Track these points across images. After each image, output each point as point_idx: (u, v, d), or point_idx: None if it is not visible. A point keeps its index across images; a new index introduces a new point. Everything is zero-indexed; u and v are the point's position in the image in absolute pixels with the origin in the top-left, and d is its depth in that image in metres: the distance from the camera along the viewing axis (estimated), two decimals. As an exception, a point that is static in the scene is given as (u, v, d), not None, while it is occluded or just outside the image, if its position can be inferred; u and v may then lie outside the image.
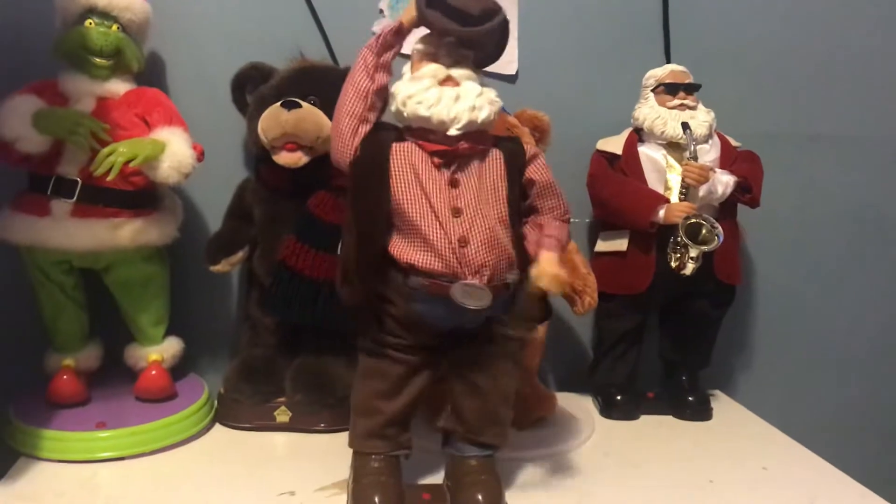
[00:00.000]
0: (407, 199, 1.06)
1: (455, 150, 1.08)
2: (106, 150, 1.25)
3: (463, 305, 1.04)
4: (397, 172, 1.07)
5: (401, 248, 1.07)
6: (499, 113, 1.12)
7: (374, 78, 1.10)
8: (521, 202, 1.15)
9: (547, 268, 1.10)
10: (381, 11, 1.60)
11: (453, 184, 1.07)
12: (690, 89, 1.53)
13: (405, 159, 1.08)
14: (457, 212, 1.06)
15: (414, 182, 1.07)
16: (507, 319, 1.13)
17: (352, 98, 1.10)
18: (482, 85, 1.11)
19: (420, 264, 1.06)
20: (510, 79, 1.66)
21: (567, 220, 1.17)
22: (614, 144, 1.56)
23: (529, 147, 1.17)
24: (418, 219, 1.05)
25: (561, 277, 1.10)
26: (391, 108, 1.12)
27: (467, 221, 1.06)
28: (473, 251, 1.05)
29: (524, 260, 1.11)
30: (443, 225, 1.05)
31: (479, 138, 1.10)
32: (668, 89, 1.53)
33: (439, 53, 1.11)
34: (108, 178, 1.24)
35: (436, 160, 1.08)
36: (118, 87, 1.36)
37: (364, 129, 1.11)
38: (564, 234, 1.16)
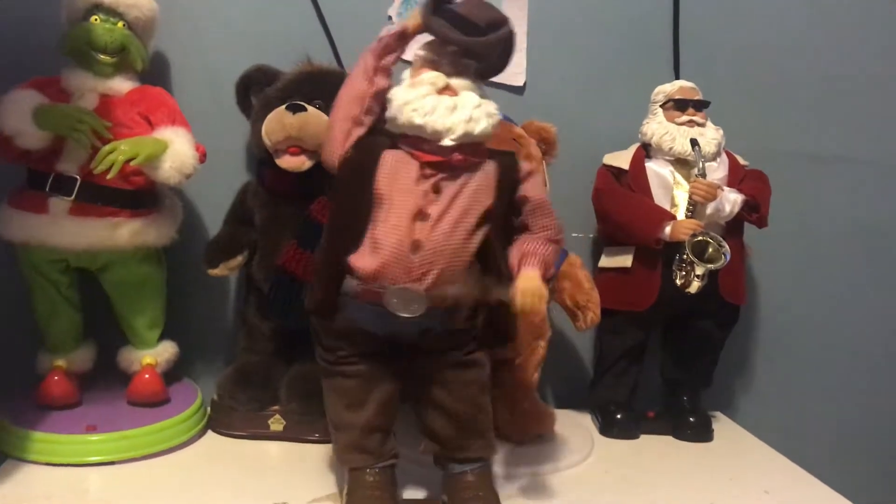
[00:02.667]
0: (379, 203, 1.04)
1: (448, 161, 1.06)
2: (107, 148, 1.23)
3: (395, 313, 1.03)
4: (382, 179, 1.05)
5: (357, 253, 1.05)
6: (497, 126, 1.10)
7: (372, 81, 1.09)
8: (513, 218, 1.12)
9: (521, 283, 1.04)
10: (390, 17, 1.59)
11: (436, 190, 1.05)
12: (700, 106, 1.52)
13: (394, 167, 1.06)
14: (423, 216, 1.04)
15: (394, 189, 1.04)
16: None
17: (348, 100, 1.10)
18: (482, 97, 1.09)
19: (359, 266, 1.04)
20: (518, 90, 1.65)
21: (558, 241, 1.13)
22: (621, 159, 1.55)
23: (525, 164, 1.15)
24: (380, 221, 1.04)
25: (534, 294, 1.04)
26: (387, 114, 1.10)
27: (428, 227, 1.03)
28: (421, 256, 1.03)
29: (495, 275, 1.08)
30: (400, 227, 1.03)
31: (473, 150, 1.08)
32: (677, 105, 1.52)
33: (441, 62, 1.09)
34: (109, 177, 1.23)
35: (427, 170, 1.05)
36: (122, 84, 1.35)
37: (358, 132, 1.09)
38: (549, 251, 1.10)
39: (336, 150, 1.09)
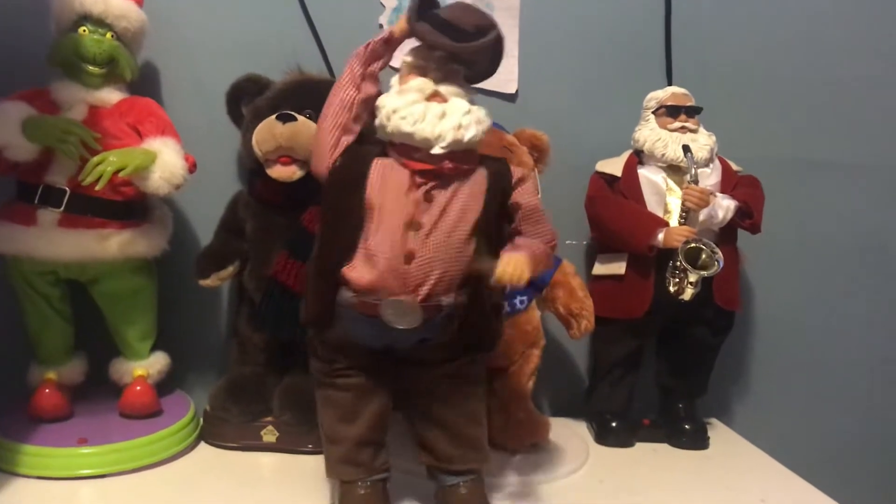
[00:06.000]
0: (371, 212, 1.04)
1: (438, 169, 1.05)
2: (96, 159, 1.23)
3: (391, 324, 1.02)
4: (372, 188, 1.04)
5: (351, 264, 1.04)
6: (486, 132, 1.09)
7: (360, 88, 1.09)
8: (505, 225, 1.12)
9: (503, 258, 1.02)
10: (381, 26, 1.58)
11: (427, 199, 1.04)
12: (692, 112, 1.51)
13: (383, 175, 1.05)
14: (416, 226, 1.03)
15: (384, 198, 1.04)
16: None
17: (336, 108, 1.09)
18: (471, 103, 1.08)
19: (351, 278, 1.03)
20: (510, 97, 1.64)
21: (552, 246, 1.12)
22: (614, 166, 1.54)
23: (517, 170, 1.13)
24: (372, 231, 1.03)
25: (515, 264, 1.00)
26: (376, 122, 1.09)
27: (421, 237, 1.02)
28: (416, 268, 1.02)
29: (477, 284, 1.07)
30: (394, 238, 1.02)
31: (464, 157, 1.07)
32: (670, 111, 1.51)
33: (428, 67, 1.08)
34: (97, 188, 1.23)
35: (417, 178, 1.04)
36: (111, 95, 1.35)
37: (347, 139, 1.09)
38: (540, 249, 1.08)
39: (325, 159, 1.08)
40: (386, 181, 1.04)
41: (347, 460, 1.11)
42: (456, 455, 1.12)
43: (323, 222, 1.10)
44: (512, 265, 1.01)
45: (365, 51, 1.09)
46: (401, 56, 1.12)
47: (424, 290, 1.02)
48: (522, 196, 1.11)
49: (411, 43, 1.11)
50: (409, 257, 1.02)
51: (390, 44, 1.10)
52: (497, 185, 1.09)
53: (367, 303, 1.03)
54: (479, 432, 1.14)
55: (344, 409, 1.11)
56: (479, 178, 1.08)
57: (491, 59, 1.10)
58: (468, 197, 1.06)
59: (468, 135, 1.05)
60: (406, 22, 1.07)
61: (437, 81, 1.07)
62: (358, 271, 1.03)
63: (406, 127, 1.03)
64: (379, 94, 1.10)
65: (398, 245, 1.02)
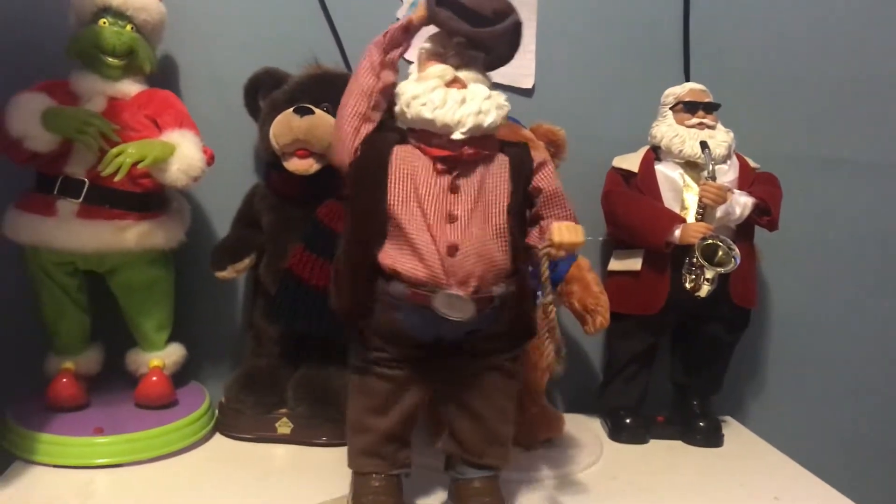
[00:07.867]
0: (399, 204, 1.03)
1: (459, 155, 1.04)
2: (114, 151, 1.24)
3: (445, 316, 1.01)
4: (395, 176, 1.04)
5: (388, 254, 1.04)
6: (506, 118, 1.09)
7: (379, 76, 1.08)
8: (527, 210, 1.11)
9: (555, 225, 1.04)
10: (398, 20, 1.57)
11: (453, 189, 1.04)
12: (710, 108, 1.50)
13: (405, 163, 1.05)
14: (452, 218, 1.03)
15: (410, 186, 1.03)
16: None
17: (356, 96, 1.08)
18: (491, 88, 1.08)
19: (403, 271, 1.03)
20: (527, 92, 1.64)
21: None
22: (631, 162, 1.54)
23: (537, 154, 1.13)
24: (407, 224, 1.02)
25: (570, 228, 1.04)
26: (395, 109, 1.09)
27: (460, 229, 1.02)
28: (461, 260, 1.02)
29: (522, 271, 1.08)
30: (433, 231, 1.02)
31: (484, 143, 1.07)
32: (687, 108, 1.50)
33: (448, 54, 1.08)
34: (116, 179, 1.24)
35: (438, 165, 1.04)
36: (130, 87, 1.35)
37: (367, 128, 1.09)
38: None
39: (346, 148, 1.08)
40: (406, 169, 1.04)
41: (371, 452, 1.11)
42: (484, 450, 1.12)
43: (351, 214, 1.09)
44: (566, 230, 1.03)
45: (384, 39, 1.09)
46: (417, 45, 1.12)
47: (474, 282, 1.03)
48: (543, 180, 1.11)
49: (428, 31, 1.11)
50: (452, 250, 1.02)
51: (409, 31, 1.10)
52: (519, 170, 1.09)
53: (420, 294, 1.02)
54: (508, 430, 1.15)
55: (378, 399, 1.10)
56: (502, 164, 1.08)
57: (509, 44, 1.10)
58: (494, 185, 1.06)
59: (488, 120, 1.05)
60: (425, 9, 1.06)
61: (457, 67, 1.07)
62: (406, 263, 1.02)
63: (427, 113, 1.03)
64: (397, 81, 1.10)
65: (440, 238, 1.02)
